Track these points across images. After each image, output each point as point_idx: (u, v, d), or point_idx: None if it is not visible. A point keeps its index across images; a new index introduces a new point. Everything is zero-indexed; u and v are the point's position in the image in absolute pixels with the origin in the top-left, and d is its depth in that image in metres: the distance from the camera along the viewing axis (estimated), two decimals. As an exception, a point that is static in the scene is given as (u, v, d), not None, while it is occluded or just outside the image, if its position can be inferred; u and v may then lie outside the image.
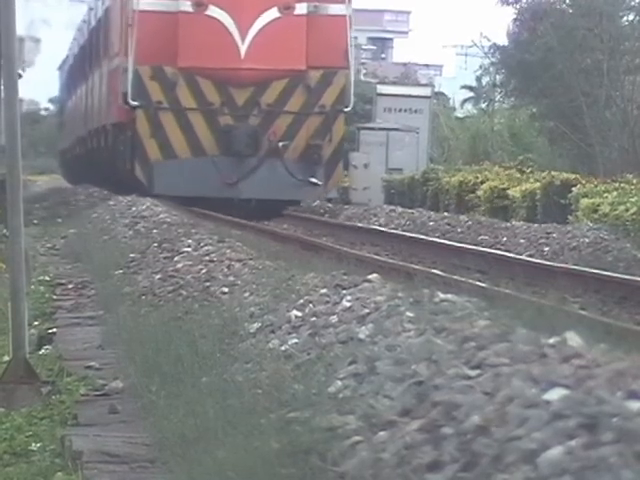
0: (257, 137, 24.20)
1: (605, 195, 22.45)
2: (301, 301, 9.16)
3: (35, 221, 23.46)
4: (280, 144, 24.46)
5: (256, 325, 8.71)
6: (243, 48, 23.96)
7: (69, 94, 47.97)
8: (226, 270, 11.65)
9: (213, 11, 23.92)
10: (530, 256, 17.12)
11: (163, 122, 24.22)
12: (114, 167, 28.15)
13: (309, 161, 24.63)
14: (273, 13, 23.96)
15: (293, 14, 23.97)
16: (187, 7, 24.17)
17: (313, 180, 24.96)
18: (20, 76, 10.06)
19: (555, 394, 5.31)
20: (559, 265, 15.47)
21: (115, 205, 23.57)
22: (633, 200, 20.95)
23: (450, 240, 19.89)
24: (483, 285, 11.89)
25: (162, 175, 24.09)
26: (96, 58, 33.81)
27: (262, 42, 23.96)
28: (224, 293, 10.54)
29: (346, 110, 25.96)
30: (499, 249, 18.01)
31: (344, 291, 9.22)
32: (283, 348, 7.91)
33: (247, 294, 10.12)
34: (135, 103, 24.10)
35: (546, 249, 18.70)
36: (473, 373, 6.09)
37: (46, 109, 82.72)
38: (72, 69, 47.06)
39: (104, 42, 31.46)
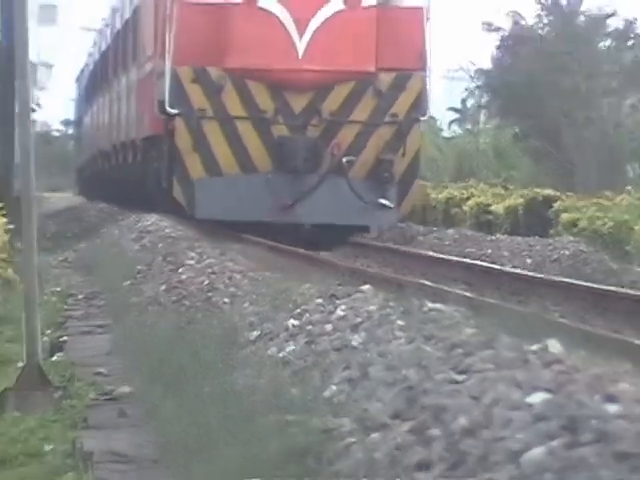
0: (317, 151, 19.98)
1: (584, 210, 22.44)
2: (298, 310, 9.12)
3: (48, 235, 22.43)
4: (344, 159, 20.08)
5: (255, 333, 8.68)
6: (301, 46, 19.67)
7: (89, 106, 43.12)
8: (227, 281, 11.59)
9: (266, 2, 19.76)
10: (514, 267, 17.07)
11: (207, 133, 20.02)
12: (145, 186, 24.29)
13: (379, 179, 20.19)
14: (337, 5, 19.70)
15: (361, 6, 19.68)
16: None
17: (383, 202, 20.38)
18: (34, 110, 10.10)
19: (537, 397, 5.31)
20: (541, 276, 15.44)
21: (123, 220, 23.06)
22: (610, 215, 20.95)
23: (438, 252, 19.66)
24: (469, 295, 11.84)
25: (206, 196, 19.97)
26: (123, 65, 29.90)
27: (324, 39, 19.84)
28: (225, 303, 10.50)
29: (422, 119, 21.70)
30: (484, 261, 17.83)
31: (338, 301, 9.18)
32: (281, 355, 7.88)
33: (247, 304, 10.09)
34: (174, 111, 19.96)
35: (529, 261, 18.68)
36: (460, 378, 6.09)
37: (58, 130, 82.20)
38: (92, 79, 41.89)
39: (133, 45, 27.36)
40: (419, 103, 20.10)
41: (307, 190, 19.76)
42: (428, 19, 19.93)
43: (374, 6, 19.52)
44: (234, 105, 19.80)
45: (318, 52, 19.66)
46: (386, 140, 19.88)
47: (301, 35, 19.63)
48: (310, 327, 8.48)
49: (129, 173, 27.01)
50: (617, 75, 41.10)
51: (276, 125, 19.82)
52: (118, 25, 31.95)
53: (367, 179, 19.99)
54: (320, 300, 9.49)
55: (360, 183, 19.87)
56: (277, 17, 19.47)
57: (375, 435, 5.51)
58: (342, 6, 19.51)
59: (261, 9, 19.56)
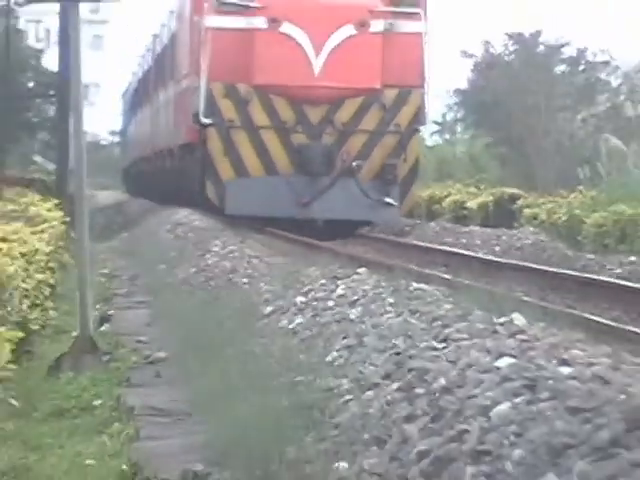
0: (331, 156, 19.63)
1: (543, 206, 22.41)
2: (305, 289, 9.08)
3: (97, 226, 22.23)
4: (354, 163, 19.68)
5: (269, 308, 8.65)
6: (317, 65, 19.44)
7: (133, 118, 42.42)
8: (246, 265, 11.51)
9: (287, 27, 19.45)
10: (485, 254, 17.01)
11: (235, 140, 19.67)
12: (181, 186, 23.92)
13: (384, 181, 19.88)
14: (348, 30, 19.41)
15: (369, 31, 19.43)
16: (261, 23, 19.68)
17: (388, 200, 20.02)
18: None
19: (504, 362, 5.30)
20: (507, 261, 15.40)
21: (160, 214, 22.94)
22: (564, 210, 20.91)
23: (422, 242, 19.59)
24: (448, 277, 11.79)
25: (235, 195, 19.61)
26: (162, 82, 29.39)
27: (337, 59, 19.47)
28: (244, 283, 10.44)
29: (421, 129, 21.90)
30: (460, 248, 17.79)
31: (339, 282, 9.14)
32: (290, 326, 7.86)
33: (262, 284, 10.04)
34: (207, 121, 19.62)
35: (497, 248, 18.57)
36: (440, 346, 6.08)
37: (105, 139, 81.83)
38: (136, 95, 41.18)
39: (171, 65, 26.83)
40: (419, 115, 19.78)
41: (322, 190, 19.39)
42: (426, 42, 19.66)
43: (380, 32, 19.08)
44: (259, 116, 19.47)
45: (332, 71, 19.22)
46: (390, 147, 19.54)
47: (317, 56, 19.29)
48: (315, 303, 8.45)
49: (167, 175, 26.34)
50: (571, 94, 41.49)
51: (295, 134, 19.51)
52: (158, 49, 31.53)
53: (373, 181, 19.58)
54: (324, 281, 9.45)
55: (368, 184, 19.47)
56: (296, 40, 19.18)
57: (369, 393, 5.51)
58: (353, 31, 19.13)
59: (282, 33, 19.19)
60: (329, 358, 6.57)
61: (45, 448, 5.73)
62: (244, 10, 19.33)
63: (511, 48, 43.89)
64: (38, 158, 30.95)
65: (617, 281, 12.71)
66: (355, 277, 9.47)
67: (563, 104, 38.86)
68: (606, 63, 39.47)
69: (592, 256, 16.80)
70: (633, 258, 15.89)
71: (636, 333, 7.88)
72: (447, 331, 6.56)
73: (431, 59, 20.03)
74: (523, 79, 39.11)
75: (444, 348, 6.14)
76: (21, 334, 6.20)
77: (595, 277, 13.17)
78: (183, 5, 22.79)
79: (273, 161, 19.50)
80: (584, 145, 33.94)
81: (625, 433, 3.91)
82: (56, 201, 15.29)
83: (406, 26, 19.43)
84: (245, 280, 10.52)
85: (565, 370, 5.08)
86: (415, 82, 19.57)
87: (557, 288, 12.06)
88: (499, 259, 15.38)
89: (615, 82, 38.28)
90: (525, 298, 10.03)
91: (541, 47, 42.02)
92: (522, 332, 6.35)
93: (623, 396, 4.30)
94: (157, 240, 17.63)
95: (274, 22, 19.15)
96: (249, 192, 19.28)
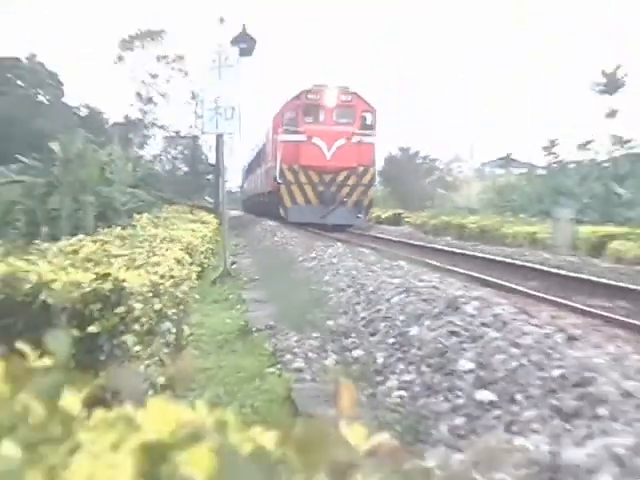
0: (334, 196, 18.43)
1: (416, 216, 21.80)
2: (315, 251, 9.04)
3: (230, 225, 21.41)
4: (344, 199, 18.45)
5: (300, 258, 8.51)
6: (328, 156, 18.56)
7: (248, 177, 37.79)
8: (291, 241, 11.39)
9: (315, 140, 18.53)
10: (389, 236, 16.55)
11: (292, 189, 18.59)
12: (268, 209, 21.92)
13: (357, 207, 18.65)
14: (342, 142, 18.48)
15: (351, 141, 18.39)
16: (302, 138, 18.54)
17: (359, 215, 18.85)
18: (226, 180, 9.78)
19: (396, 281, 5.27)
20: (398, 239, 15.05)
21: (257, 222, 22.60)
22: (423, 218, 20.40)
23: (365, 232, 19.04)
24: (374, 246, 11.50)
25: (291, 212, 18.43)
26: (259, 163, 26.96)
27: (337, 154, 18.53)
28: (290, 247, 10.30)
29: (374, 185, 20.15)
30: (381, 234, 17.20)
31: (329, 249, 9.04)
32: (309, 266, 7.77)
33: (298, 248, 9.91)
34: (280, 181, 18.43)
35: (395, 233, 18.24)
36: (370, 274, 6.06)
37: (235, 189, 79.00)
38: (250, 168, 37.69)
39: (264, 156, 24.69)
40: (372, 179, 18.66)
41: (330, 211, 18.18)
42: (375, 146, 18.64)
43: (356, 142, 17.86)
44: (303, 179, 18.30)
45: (334, 159, 18.16)
46: (360, 192, 18.20)
47: (328, 152, 18.31)
48: (319, 256, 8.40)
49: (262, 204, 25.73)
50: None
51: (319, 186, 18.25)
52: (258, 149, 29.13)
53: (353, 207, 18.30)
54: (323, 248, 9.35)
55: (350, 209, 18.25)
56: (319, 145, 18.19)
57: (341, 293, 5.49)
58: (344, 142, 18.03)
59: (313, 142, 18.11)
60: (325, 278, 6.48)
61: (209, 315, 5.68)
62: (295, 132, 18.31)
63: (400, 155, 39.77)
64: (207, 197, 30.58)
65: (439, 247, 12.44)
66: (336, 246, 9.43)
67: (416, 176, 35.69)
68: (434, 160, 36.58)
69: (432, 237, 16.63)
70: (448, 238, 15.76)
71: (451, 270, 7.71)
72: (373, 267, 6.55)
73: (376, 154, 19.41)
74: (405, 165, 36.36)
75: (371, 273, 6.13)
76: (199, 269, 6.12)
77: (433, 245, 12.87)
78: (269, 129, 21.67)
79: (308, 198, 18.42)
80: (429, 191, 32.83)
81: (445, 309, 3.91)
82: (213, 215, 15.23)
83: (367, 139, 18.32)
84: (290, 247, 10.44)
85: (420, 283, 5.09)
86: (370, 164, 18.64)
87: (420, 251, 11.76)
88: (395, 238, 15.16)
89: (440, 166, 36.40)
90: (406, 255, 9.74)
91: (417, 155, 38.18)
92: (403, 268, 6.34)
93: (444, 294, 4.30)
94: (256, 231, 17.43)
95: (309, 138, 18.29)
96: (298, 211, 18.40)
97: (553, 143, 25.84)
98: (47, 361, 0.51)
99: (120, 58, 32.28)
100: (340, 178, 18.57)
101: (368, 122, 18.50)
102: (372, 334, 3.96)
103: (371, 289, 5.11)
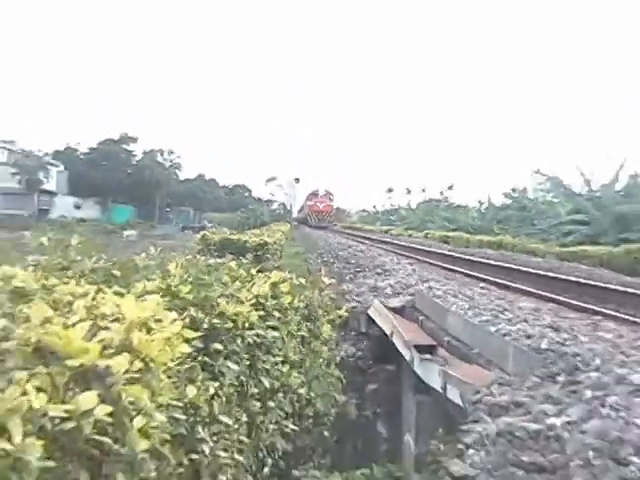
0: (324, 221, 32.82)
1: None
2: (317, 238, 10.79)
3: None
4: (328, 221, 32.89)
5: (314, 237, 9.14)
6: (320, 206, 34.12)
7: (298, 214, 44.36)
8: (307, 234, 13.96)
9: (314, 204, 34.78)
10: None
11: (308, 219, 33.80)
12: (304, 223, 35.06)
13: (329, 222, 33.05)
14: (326, 204, 34.10)
15: (326, 204, 34.05)
16: (312, 203, 34.47)
17: (329, 225, 32.28)
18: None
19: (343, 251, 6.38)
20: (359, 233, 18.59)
21: (300, 227, 30.49)
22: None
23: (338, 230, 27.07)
24: (348, 235, 14.11)
25: (310, 224, 32.26)
26: (303, 209, 40.02)
27: (323, 207, 33.82)
28: (310, 236, 12.32)
29: (333, 215, 35.61)
30: (348, 228, 26.96)
31: (321, 235, 10.74)
32: (322, 238, 9.47)
33: (315, 236, 12.18)
34: (307, 214, 34.50)
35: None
36: (352, 253, 7.55)
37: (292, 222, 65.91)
38: (299, 211, 44.45)
39: (303, 207, 38.99)
40: (334, 214, 34.63)
41: (320, 224, 31.76)
42: (333, 205, 35.18)
43: (330, 204, 34.25)
44: (313, 214, 33.71)
45: (321, 209, 33.31)
46: (332, 218, 33.44)
47: (320, 206, 33.73)
48: (319, 237, 10.69)
49: (303, 221, 36.81)
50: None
51: (316, 218, 33.27)
52: (301, 205, 44.99)
53: (327, 222, 32.62)
54: (321, 235, 13.19)
55: (326, 223, 32.36)
56: (318, 205, 34.39)
57: (336, 264, 6.65)
58: (324, 204, 33.87)
59: (315, 205, 34.22)
60: (320, 243, 8.95)
61: (290, 246, 6.21)
62: (310, 201, 33.94)
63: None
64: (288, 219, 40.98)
65: (392, 240, 14.05)
66: (323, 233, 14.01)
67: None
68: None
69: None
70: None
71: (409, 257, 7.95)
72: (351, 250, 7.76)
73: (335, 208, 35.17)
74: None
75: (353, 254, 7.24)
76: (285, 237, 7.05)
77: (397, 242, 14.08)
78: (305, 200, 36.84)
79: (314, 220, 32.83)
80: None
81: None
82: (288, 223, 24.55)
83: (331, 203, 34.31)
84: (312, 236, 13.88)
85: (380, 260, 5.60)
86: (332, 210, 33.99)
87: (379, 244, 12.17)
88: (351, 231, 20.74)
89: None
90: (367, 243, 10.73)
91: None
92: (364, 251, 7.30)
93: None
94: (300, 228, 25.23)
95: (314, 204, 33.53)
96: (312, 223, 32.11)
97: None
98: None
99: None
100: (323, 214, 32.88)
101: (332, 198, 35.10)
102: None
103: (355, 262, 5.87)
